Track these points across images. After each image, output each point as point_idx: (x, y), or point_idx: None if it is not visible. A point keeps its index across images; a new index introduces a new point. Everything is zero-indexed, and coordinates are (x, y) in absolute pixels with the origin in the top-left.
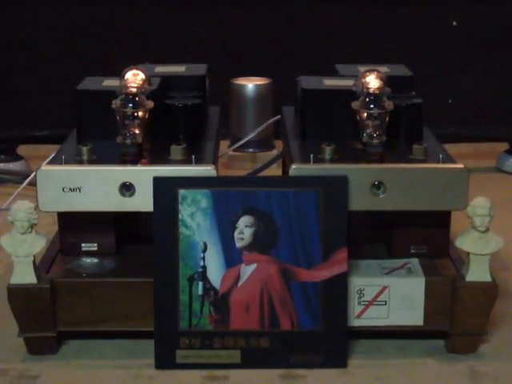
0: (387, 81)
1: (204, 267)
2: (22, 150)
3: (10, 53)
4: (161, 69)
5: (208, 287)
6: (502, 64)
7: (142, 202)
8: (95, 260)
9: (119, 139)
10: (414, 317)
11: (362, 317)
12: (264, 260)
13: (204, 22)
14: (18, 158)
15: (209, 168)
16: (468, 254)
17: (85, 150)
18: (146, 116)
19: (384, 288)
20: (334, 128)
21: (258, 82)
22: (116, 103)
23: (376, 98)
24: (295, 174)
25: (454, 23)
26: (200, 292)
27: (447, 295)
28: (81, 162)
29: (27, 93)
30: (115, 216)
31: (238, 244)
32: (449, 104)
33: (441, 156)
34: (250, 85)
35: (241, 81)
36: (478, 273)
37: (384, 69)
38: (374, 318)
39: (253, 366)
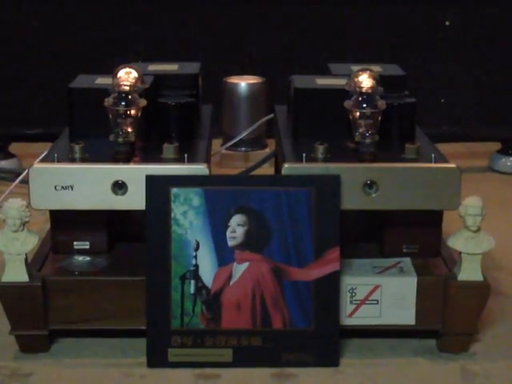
0: (380, 80)
1: (196, 266)
2: (14, 147)
3: (1, 51)
4: (154, 67)
5: (200, 286)
6: (495, 64)
7: (135, 200)
8: (87, 258)
9: (112, 137)
10: (406, 316)
11: (353, 316)
12: (256, 259)
13: (197, 21)
14: (10, 155)
15: (201, 167)
16: (460, 253)
17: (77, 148)
18: (139, 114)
19: (376, 287)
20: (327, 127)
21: (251, 81)
22: (108, 101)
23: (369, 97)
24: (288, 173)
25: (447, 23)
26: (192, 291)
27: (439, 295)
28: (73, 160)
29: (19, 90)
30: (107, 214)
31: (231, 243)
32: (441, 104)
33: (433, 155)
34: (243, 83)
35: (233, 79)
36: (469, 272)
37: (377, 68)
38: (365, 317)
39: (245, 365)
